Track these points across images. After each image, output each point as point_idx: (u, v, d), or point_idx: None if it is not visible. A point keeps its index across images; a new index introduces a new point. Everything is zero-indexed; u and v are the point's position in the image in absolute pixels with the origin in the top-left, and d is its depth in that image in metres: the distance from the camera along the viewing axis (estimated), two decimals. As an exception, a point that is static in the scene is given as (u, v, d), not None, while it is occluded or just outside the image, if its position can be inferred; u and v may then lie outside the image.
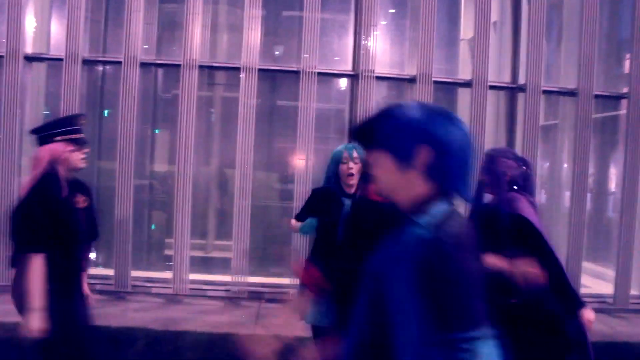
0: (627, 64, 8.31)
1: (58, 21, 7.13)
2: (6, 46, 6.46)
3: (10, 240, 2.99)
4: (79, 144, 3.10)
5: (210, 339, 5.13)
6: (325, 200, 3.65)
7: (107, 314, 5.72)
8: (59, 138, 3.04)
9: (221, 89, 8.09)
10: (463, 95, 7.63)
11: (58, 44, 6.88)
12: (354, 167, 3.53)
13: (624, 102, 7.72)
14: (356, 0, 6.95)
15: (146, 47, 7.17)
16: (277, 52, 8.03)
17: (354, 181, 3.56)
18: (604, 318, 6.57)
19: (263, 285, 6.77)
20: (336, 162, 3.60)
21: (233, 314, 6.13)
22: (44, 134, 3.06)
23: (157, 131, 7.80)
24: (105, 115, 7.46)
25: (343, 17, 7.52)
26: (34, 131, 3.10)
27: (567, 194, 7.78)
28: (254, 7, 6.62)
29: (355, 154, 3.53)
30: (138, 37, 6.56)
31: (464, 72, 7.71)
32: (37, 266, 2.82)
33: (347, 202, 3.53)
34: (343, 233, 2.92)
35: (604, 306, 6.92)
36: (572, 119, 7.26)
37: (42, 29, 7.13)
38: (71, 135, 3.08)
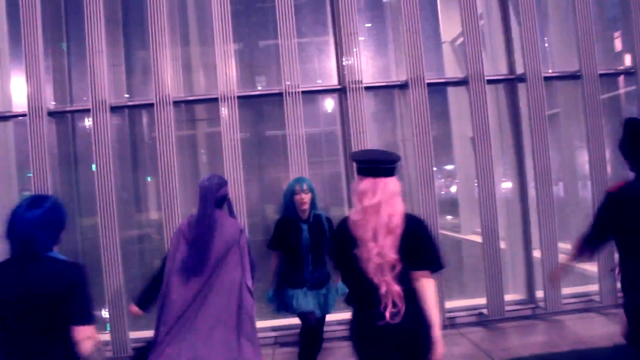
0: (617, 42, 7.96)
1: (18, 75, 6.65)
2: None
3: None
4: None
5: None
6: (287, 227, 4.58)
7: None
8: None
9: (202, 125, 7.58)
10: (454, 95, 7.28)
11: (22, 99, 6.37)
12: (305, 197, 4.54)
13: (620, 80, 7.32)
14: (332, 14, 6.56)
15: (117, 91, 6.72)
16: (259, 86, 7.51)
17: (306, 207, 4.57)
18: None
19: (273, 329, 6.20)
20: (291, 194, 4.57)
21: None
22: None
23: (149, 179, 7.26)
24: (94, 169, 6.94)
25: (321, 36, 7.14)
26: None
27: (580, 184, 7.31)
28: (225, 35, 6.17)
29: (305, 186, 4.55)
30: (104, 79, 6.07)
31: (451, 74, 7.31)
32: None
33: (304, 226, 4.57)
34: None
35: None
36: (575, 104, 6.83)
37: (2, 86, 6.63)
38: None
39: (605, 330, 5.69)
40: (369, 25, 7.72)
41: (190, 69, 7.31)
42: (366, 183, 2.88)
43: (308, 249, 4.53)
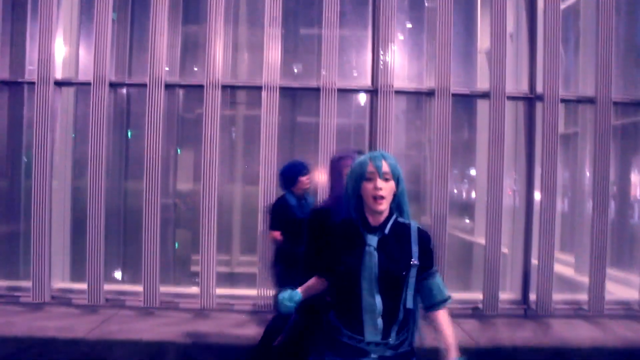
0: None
1: (86, 47, 7.39)
2: (37, 73, 6.75)
3: None
4: None
5: (238, 351, 5.25)
6: (345, 238, 2.43)
7: (137, 329, 5.89)
8: None
9: (243, 108, 8.27)
10: (482, 106, 7.71)
11: (86, 69, 7.13)
12: (384, 187, 2.35)
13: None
14: (373, 16, 7.08)
15: (167, 69, 7.39)
16: (296, 70, 8.16)
17: (384, 206, 2.36)
18: (630, 324, 6.57)
19: (288, 298, 6.84)
20: (358, 178, 2.40)
21: (261, 327, 6.20)
22: None
23: (179, 152, 7.97)
24: (129, 137, 7.69)
25: (361, 32, 7.64)
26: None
27: (590, 202, 7.77)
28: (273, 27, 6.81)
29: (385, 166, 2.36)
30: (162, 59, 6.77)
31: (482, 84, 7.74)
32: None
33: (372, 239, 2.35)
34: None
35: (629, 312, 6.91)
36: (592, 127, 7.29)
37: (71, 55, 7.39)
38: None
39: (588, 334, 6.22)
40: (410, 26, 8.19)
41: (237, 52, 7.97)
42: None
43: (373, 283, 2.30)
